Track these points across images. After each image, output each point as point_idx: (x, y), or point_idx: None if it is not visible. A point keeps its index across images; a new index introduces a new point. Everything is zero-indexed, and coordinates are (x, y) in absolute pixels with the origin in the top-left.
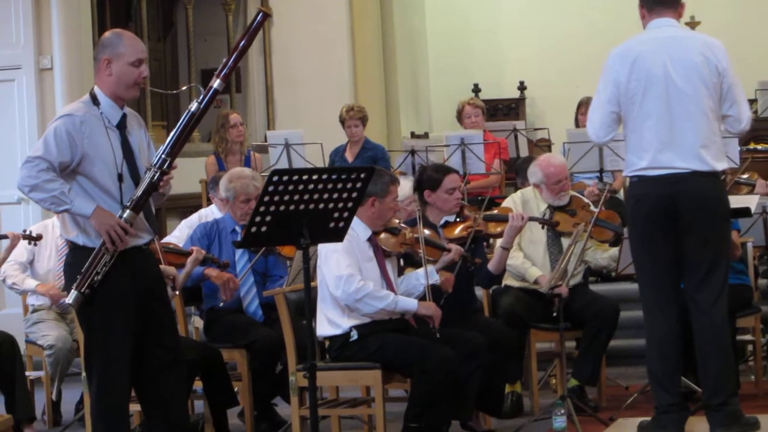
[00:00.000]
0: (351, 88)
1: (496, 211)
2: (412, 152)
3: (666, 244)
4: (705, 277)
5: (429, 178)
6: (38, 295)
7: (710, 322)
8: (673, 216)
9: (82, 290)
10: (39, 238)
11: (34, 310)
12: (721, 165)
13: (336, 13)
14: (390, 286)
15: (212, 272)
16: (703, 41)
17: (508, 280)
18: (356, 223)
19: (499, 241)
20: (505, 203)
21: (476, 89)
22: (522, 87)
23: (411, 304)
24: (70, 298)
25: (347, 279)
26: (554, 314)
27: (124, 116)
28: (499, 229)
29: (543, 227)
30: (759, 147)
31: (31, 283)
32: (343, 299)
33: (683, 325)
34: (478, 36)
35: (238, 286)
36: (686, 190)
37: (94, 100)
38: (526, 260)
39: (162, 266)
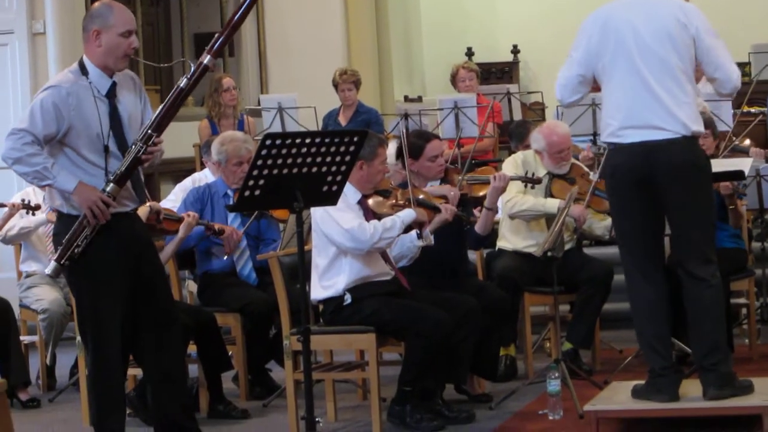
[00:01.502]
0: (344, 52)
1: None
2: (406, 116)
3: (645, 212)
4: (691, 243)
5: (411, 146)
6: (32, 260)
7: (701, 287)
8: (649, 184)
9: (61, 261)
10: (37, 207)
11: (27, 275)
12: (695, 126)
13: None
14: None
15: (214, 224)
16: (677, 4)
17: (501, 243)
18: (346, 186)
19: (484, 203)
20: (506, 164)
21: (469, 53)
22: (515, 50)
23: (409, 213)
24: (48, 268)
25: (359, 228)
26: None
27: (113, 85)
28: (483, 192)
29: (526, 186)
30: (752, 110)
31: (40, 217)
32: (361, 247)
33: (669, 289)
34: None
35: (241, 237)
36: (661, 159)
37: (83, 69)
38: (539, 196)
39: (148, 203)
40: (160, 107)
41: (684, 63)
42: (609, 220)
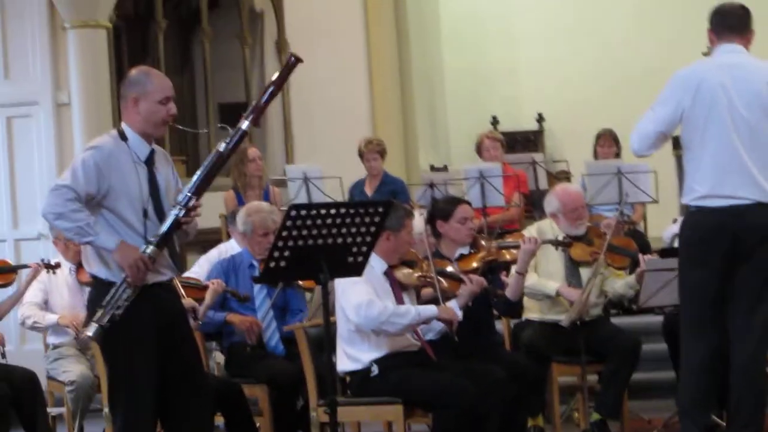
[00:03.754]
0: (369, 122)
1: (509, 239)
2: (431, 185)
3: (717, 274)
4: (755, 307)
5: (441, 209)
6: (57, 334)
7: (753, 353)
8: (729, 247)
9: (102, 323)
10: (57, 266)
11: (54, 347)
12: None
13: (353, 47)
14: None
15: (234, 318)
16: None
17: (528, 314)
18: (372, 257)
19: (514, 268)
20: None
21: (494, 121)
22: (540, 119)
23: (431, 310)
24: (90, 331)
25: (368, 304)
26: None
27: (152, 152)
28: (513, 256)
29: (557, 248)
30: None
31: (52, 317)
32: (367, 325)
33: (720, 359)
34: (495, 68)
35: (262, 328)
36: (748, 221)
37: (122, 136)
38: (541, 278)
39: (183, 300)
40: (199, 171)
41: None
42: (629, 278)
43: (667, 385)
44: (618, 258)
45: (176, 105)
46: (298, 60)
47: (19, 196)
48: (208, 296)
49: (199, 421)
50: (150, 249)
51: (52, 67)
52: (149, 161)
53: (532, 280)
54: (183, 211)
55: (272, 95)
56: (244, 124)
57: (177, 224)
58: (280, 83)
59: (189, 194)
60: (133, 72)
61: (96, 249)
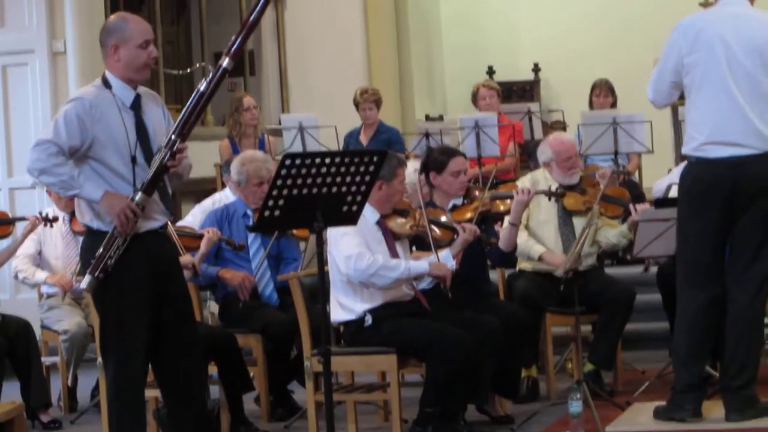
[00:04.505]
0: (365, 71)
1: (503, 189)
2: (427, 135)
3: (717, 225)
4: (754, 256)
5: (434, 161)
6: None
7: (750, 303)
8: (730, 198)
9: (95, 274)
10: (55, 219)
11: (48, 296)
12: None
13: None
14: None
15: (226, 273)
16: None
17: (522, 264)
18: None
19: (507, 218)
20: (517, 184)
21: (490, 71)
22: (536, 69)
23: (423, 266)
24: (84, 283)
25: (357, 256)
26: (561, 288)
27: (137, 97)
28: (507, 207)
29: (550, 199)
30: None
31: (40, 276)
32: (356, 277)
33: (718, 309)
34: (492, 17)
35: (254, 283)
36: (747, 173)
37: (106, 83)
38: (530, 238)
39: (180, 257)
40: (182, 113)
41: None
42: (622, 227)
43: (661, 335)
44: (611, 207)
45: (171, 54)
46: None
47: (14, 144)
48: (204, 245)
49: (190, 371)
50: (138, 196)
51: (48, 15)
52: (135, 106)
53: (521, 239)
54: (168, 155)
55: (250, 29)
56: (225, 62)
57: (163, 168)
58: (258, 16)
59: (173, 137)
60: (111, 19)
61: (86, 200)
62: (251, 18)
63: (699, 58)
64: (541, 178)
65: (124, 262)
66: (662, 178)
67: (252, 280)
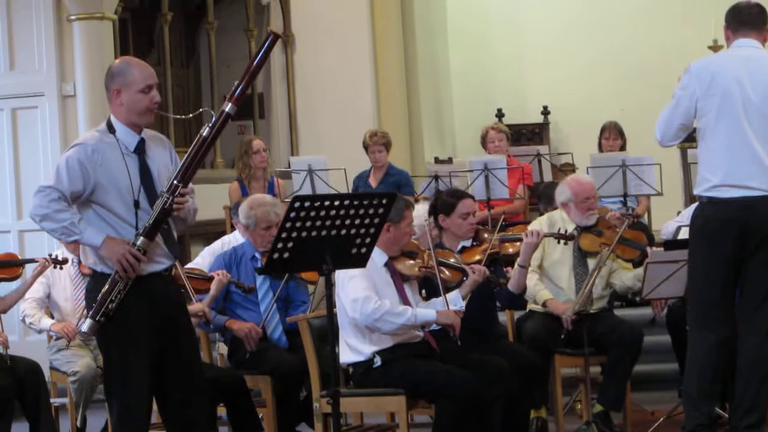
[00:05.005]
0: (374, 114)
1: (512, 232)
2: (436, 177)
3: (728, 265)
4: (765, 297)
5: (443, 203)
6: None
7: (760, 344)
8: (741, 238)
9: (96, 318)
10: (65, 261)
11: (58, 338)
12: None
13: (359, 39)
14: None
15: (233, 324)
16: None
17: (532, 305)
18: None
19: (517, 261)
20: (533, 225)
21: (500, 114)
22: (545, 111)
23: (430, 314)
24: (85, 326)
25: (364, 300)
26: (562, 336)
27: (141, 141)
28: (516, 249)
29: (559, 242)
30: None
31: (46, 323)
32: (362, 321)
33: (728, 350)
34: (501, 61)
35: (260, 333)
36: (759, 214)
37: (110, 127)
38: (540, 282)
39: (189, 306)
40: (185, 158)
41: None
42: (638, 270)
43: (670, 376)
44: (628, 250)
45: (181, 97)
46: (277, 36)
47: (23, 186)
48: (213, 287)
49: (197, 413)
50: (140, 240)
51: (58, 58)
52: (139, 150)
53: (531, 281)
54: (170, 199)
55: (253, 75)
56: (227, 107)
57: (165, 213)
58: (261, 62)
59: (175, 182)
60: (115, 63)
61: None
62: (254, 63)
63: (714, 102)
64: (558, 219)
65: (126, 306)
66: (671, 220)
67: (259, 331)
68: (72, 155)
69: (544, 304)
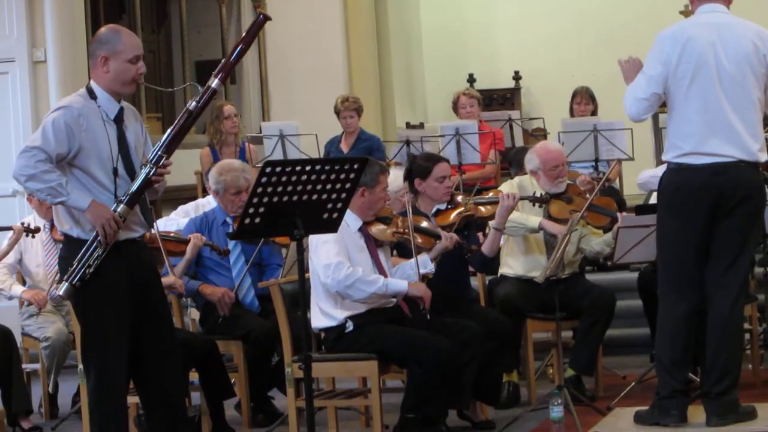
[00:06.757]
0: (346, 79)
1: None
2: (407, 143)
3: (699, 232)
4: (732, 263)
5: (419, 167)
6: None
7: (730, 309)
8: (713, 204)
9: (73, 282)
10: (37, 230)
11: (29, 304)
12: (763, 156)
13: (330, 4)
14: (384, 275)
15: (206, 289)
16: (755, 30)
17: (503, 269)
18: (347, 214)
19: (491, 223)
20: (502, 189)
21: (471, 79)
22: (517, 77)
23: (401, 285)
24: (61, 290)
25: (336, 266)
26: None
27: (121, 110)
28: (489, 212)
29: (534, 205)
30: None
31: (17, 290)
32: (334, 287)
33: (699, 316)
34: (473, 26)
35: (233, 299)
36: (730, 180)
37: (91, 93)
38: (522, 214)
39: (163, 279)
40: (170, 130)
41: (760, 91)
42: (607, 236)
43: (642, 341)
44: (598, 217)
45: (152, 63)
46: (267, 18)
47: None
48: (189, 250)
49: (170, 379)
50: (121, 208)
51: (29, 24)
52: (118, 119)
53: (515, 215)
54: (153, 169)
55: (241, 53)
56: (214, 82)
57: (148, 182)
58: (249, 41)
59: (159, 152)
60: (103, 30)
61: (67, 208)
62: (242, 44)
63: (688, 69)
64: (528, 184)
65: (103, 271)
66: (646, 170)
67: (232, 296)
68: (59, 117)
69: (539, 227)
